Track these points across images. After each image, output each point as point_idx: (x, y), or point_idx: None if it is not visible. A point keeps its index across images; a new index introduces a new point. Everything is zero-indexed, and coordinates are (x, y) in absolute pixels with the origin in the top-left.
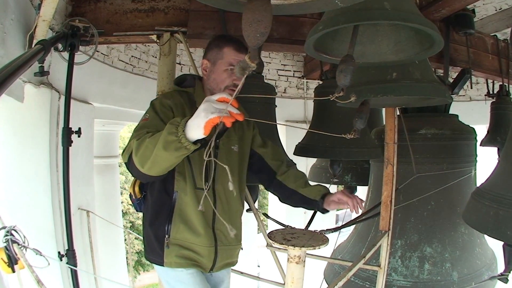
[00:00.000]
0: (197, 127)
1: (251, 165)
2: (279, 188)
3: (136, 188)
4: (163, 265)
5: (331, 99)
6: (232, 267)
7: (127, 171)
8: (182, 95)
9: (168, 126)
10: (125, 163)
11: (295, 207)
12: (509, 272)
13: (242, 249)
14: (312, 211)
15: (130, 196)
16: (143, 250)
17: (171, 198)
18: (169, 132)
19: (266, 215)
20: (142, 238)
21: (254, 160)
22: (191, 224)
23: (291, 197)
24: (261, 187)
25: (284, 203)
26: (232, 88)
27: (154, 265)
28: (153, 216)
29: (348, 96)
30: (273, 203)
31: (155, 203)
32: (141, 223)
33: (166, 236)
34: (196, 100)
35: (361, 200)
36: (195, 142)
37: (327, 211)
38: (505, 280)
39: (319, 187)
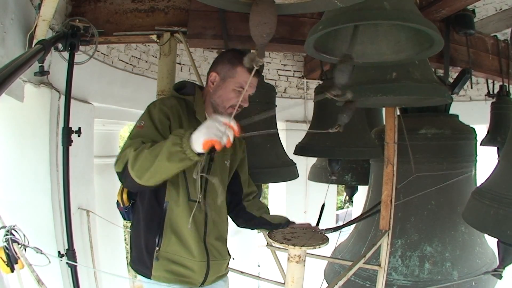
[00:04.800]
0: (197, 141)
1: (229, 184)
2: (242, 212)
3: (125, 196)
4: (150, 278)
5: (330, 97)
6: (229, 272)
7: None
8: (180, 102)
9: (173, 137)
10: (117, 172)
11: (252, 229)
12: (503, 268)
13: (233, 259)
14: (319, 211)
15: (118, 204)
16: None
17: (162, 209)
18: (174, 143)
19: None
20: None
21: (233, 180)
22: (182, 237)
23: (252, 221)
24: (263, 186)
25: (241, 227)
26: (235, 107)
27: (139, 276)
28: (144, 226)
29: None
30: (273, 203)
31: (145, 212)
32: None
33: (156, 248)
34: (195, 109)
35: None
36: (199, 154)
37: None
38: (499, 276)
39: (281, 216)
